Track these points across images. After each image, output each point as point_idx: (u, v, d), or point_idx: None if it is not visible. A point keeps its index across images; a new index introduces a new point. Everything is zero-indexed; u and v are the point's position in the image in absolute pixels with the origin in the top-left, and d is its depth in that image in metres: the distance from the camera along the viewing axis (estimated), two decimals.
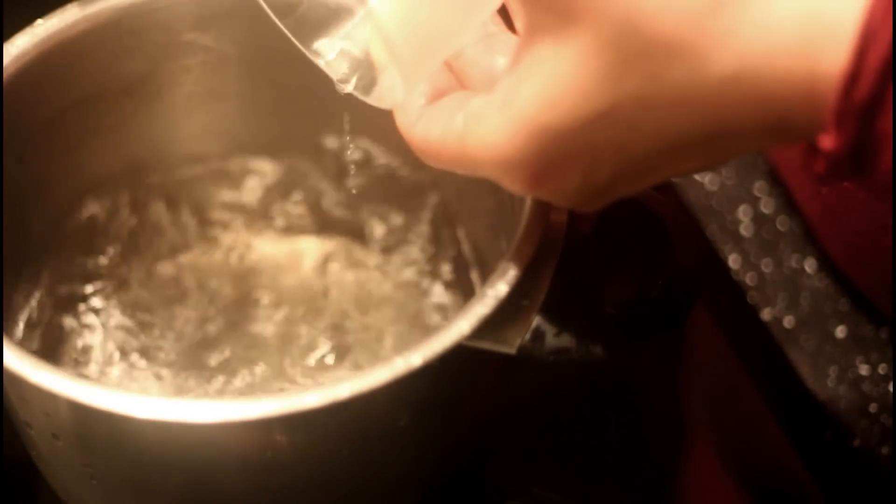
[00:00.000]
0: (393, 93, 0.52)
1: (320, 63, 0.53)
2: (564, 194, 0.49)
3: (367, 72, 0.53)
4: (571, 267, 0.57)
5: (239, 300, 0.71)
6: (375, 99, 0.53)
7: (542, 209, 0.57)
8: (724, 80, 0.43)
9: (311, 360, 0.69)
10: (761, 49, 0.42)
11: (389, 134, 0.54)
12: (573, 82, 0.45)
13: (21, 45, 0.62)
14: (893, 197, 0.43)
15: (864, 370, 0.69)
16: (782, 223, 0.74)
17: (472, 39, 0.53)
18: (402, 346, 0.69)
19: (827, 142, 0.42)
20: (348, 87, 0.53)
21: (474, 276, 0.70)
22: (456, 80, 0.53)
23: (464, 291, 0.71)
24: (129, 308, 0.71)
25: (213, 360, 0.69)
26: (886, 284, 0.66)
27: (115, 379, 0.68)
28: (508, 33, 0.53)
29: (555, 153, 0.47)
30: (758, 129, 0.44)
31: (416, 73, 0.51)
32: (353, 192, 0.72)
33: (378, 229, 0.73)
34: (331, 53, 0.53)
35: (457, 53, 0.53)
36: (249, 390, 0.68)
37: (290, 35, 0.53)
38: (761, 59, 0.42)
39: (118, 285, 0.71)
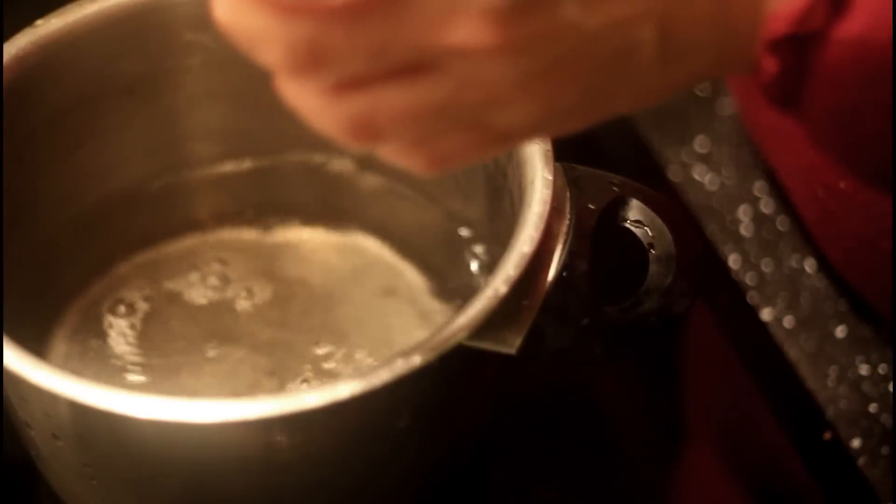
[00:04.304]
0: None
1: None
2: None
3: None
4: (571, 267, 0.57)
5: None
6: None
7: (542, 209, 0.57)
8: None
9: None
10: None
11: None
12: None
13: (21, 45, 0.63)
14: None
15: (864, 370, 0.69)
16: (782, 223, 0.74)
17: None
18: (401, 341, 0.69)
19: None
20: None
21: (473, 276, 0.70)
22: None
23: (463, 292, 0.71)
24: (134, 304, 0.71)
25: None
26: (885, 287, 0.66)
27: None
28: None
29: None
30: None
31: None
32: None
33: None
34: None
35: None
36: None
37: None
38: None
39: (120, 285, 0.71)
